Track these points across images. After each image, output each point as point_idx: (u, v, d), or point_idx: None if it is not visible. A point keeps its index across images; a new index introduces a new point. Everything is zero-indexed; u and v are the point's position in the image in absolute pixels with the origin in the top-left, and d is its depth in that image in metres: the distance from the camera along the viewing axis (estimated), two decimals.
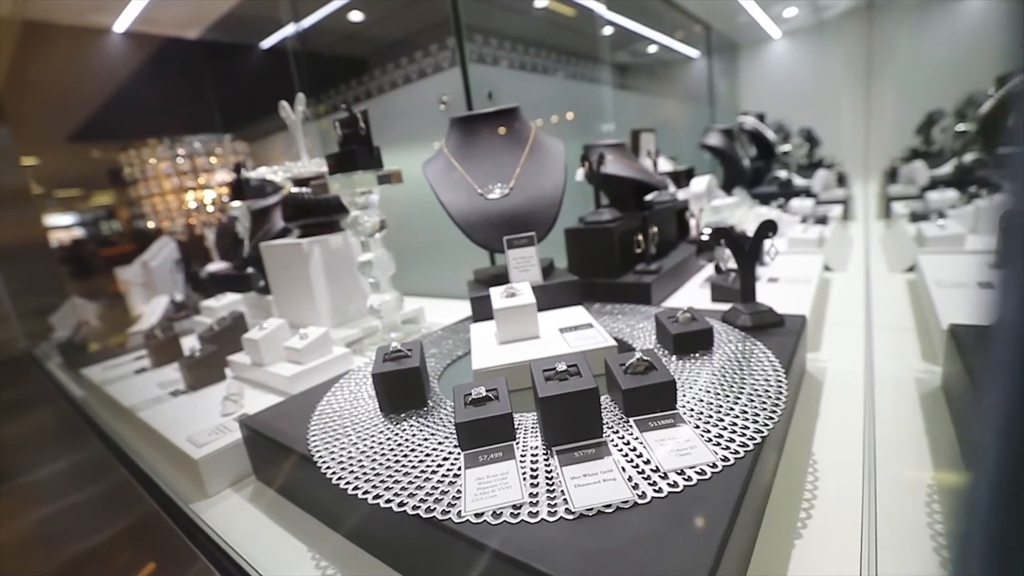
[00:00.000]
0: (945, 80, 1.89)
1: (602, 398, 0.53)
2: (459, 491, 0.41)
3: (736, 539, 0.36)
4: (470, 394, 0.49)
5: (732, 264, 0.80)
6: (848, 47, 2.58)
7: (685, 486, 0.38)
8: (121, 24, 1.96)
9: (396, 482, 0.44)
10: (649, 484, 0.39)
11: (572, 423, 0.45)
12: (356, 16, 1.71)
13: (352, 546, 0.51)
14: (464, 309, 0.91)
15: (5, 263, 1.90)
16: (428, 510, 0.39)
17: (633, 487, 0.39)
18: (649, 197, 1.23)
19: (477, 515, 0.38)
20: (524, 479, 0.41)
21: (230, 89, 2.37)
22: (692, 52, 3.42)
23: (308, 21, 1.80)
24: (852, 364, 0.75)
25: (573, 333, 0.67)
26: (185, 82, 2.36)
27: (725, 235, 0.73)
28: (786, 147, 2.62)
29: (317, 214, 1.12)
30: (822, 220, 1.49)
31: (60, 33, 1.96)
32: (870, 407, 0.63)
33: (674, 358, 0.61)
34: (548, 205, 0.84)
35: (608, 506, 0.37)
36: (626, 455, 0.43)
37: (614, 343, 0.62)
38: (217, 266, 1.68)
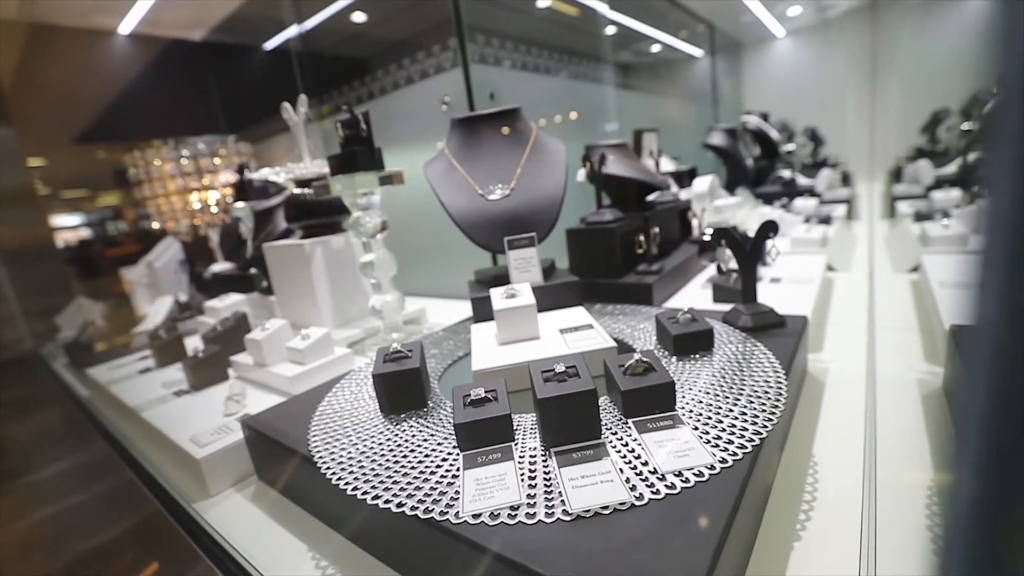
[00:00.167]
0: (950, 78, 1.88)
1: (601, 399, 0.53)
2: (457, 492, 0.41)
3: (734, 541, 0.36)
4: (469, 395, 0.49)
5: (733, 265, 0.80)
6: (852, 46, 2.57)
7: (683, 488, 0.38)
8: (126, 26, 1.97)
9: (395, 483, 0.44)
10: (647, 486, 0.39)
11: (570, 424, 0.45)
12: (358, 17, 1.71)
13: (353, 546, 0.51)
14: (466, 309, 0.91)
15: (12, 263, 1.92)
16: (426, 511, 0.39)
17: (631, 489, 0.39)
18: (651, 197, 1.23)
19: (475, 516, 0.38)
20: (522, 480, 0.42)
21: (234, 90, 2.38)
22: (695, 51, 3.41)
23: (311, 22, 1.80)
24: (854, 365, 0.75)
25: (573, 334, 0.67)
26: (189, 83, 2.37)
27: (726, 235, 0.73)
28: (790, 146, 2.61)
29: (319, 215, 1.12)
30: (826, 220, 1.48)
31: (65, 35, 1.98)
32: (871, 408, 0.63)
33: (674, 359, 0.61)
34: (549, 206, 0.84)
35: (605, 508, 0.37)
36: (624, 457, 0.43)
37: (614, 344, 0.62)
38: (221, 266, 1.69)
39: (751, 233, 0.73)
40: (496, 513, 0.38)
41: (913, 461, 0.52)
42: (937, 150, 1.91)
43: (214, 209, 2.49)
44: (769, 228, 0.71)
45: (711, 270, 1.17)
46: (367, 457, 0.49)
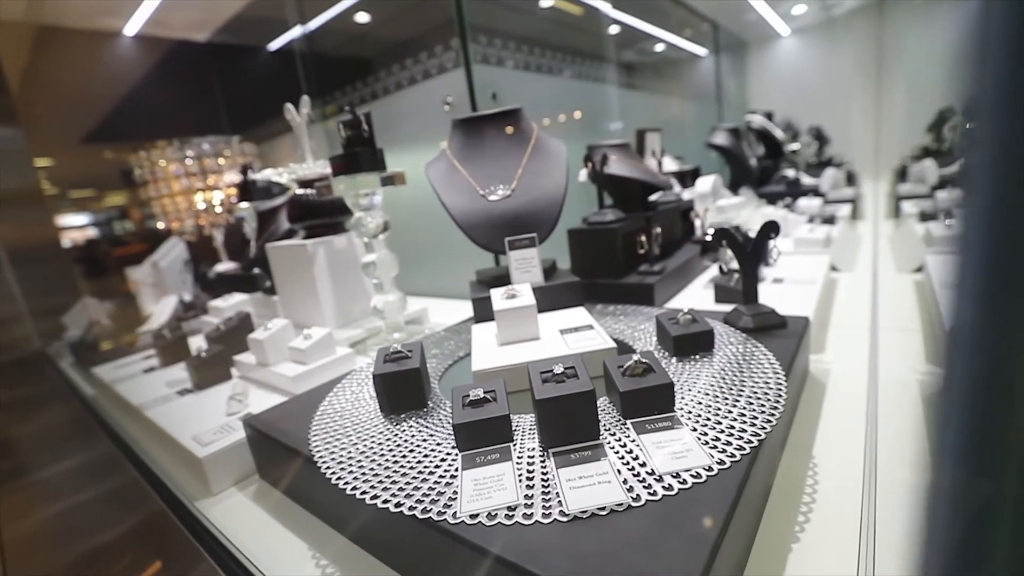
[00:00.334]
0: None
1: (600, 400, 0.53)
2: (456, 492, 0.41)
3: (731, 542, 0.36)
4: (468, 395, 0.49)
5: (735, 265, 0.80)
6: (858, 44, 2.55)
7: (680, 489, 0.38)
8: (131, 27, 1.99)
9: (394, 483, 0.44)
10: (644, 487, 0.39)
11: (568, 425, 0.45)
12: (361, 18, 1.72)
13: (353, 546, 0.51)
14: (468, 309, 0.91)
15: (20, 263, 1.93)
16: (424, 511, 0.40)
17: (628, 490, 0.39)
18: (653, 197, 1.23)
19: (472, 516, 0.38)
20: (520, 481, 0.42)
21: (238, 91, 2.39)
22: (700, 50, 3.40)
23: (314, 23, 1.81)
24: (856, 366, 0.75)
25: (573, 335, 0.67)
26: (194, 84, 2.39)
27: (727, 236, 0.72)
28: (795, 145, 2.59)
29: (321, 215, 1.13)
30: (830, 220, 1.47)
31: (72, 37, 1.99)
32: (872, 410, 0.63)
33: (674, 360, 0.61)
34: (550, 206, 0.84)
35: (602, 508, 0.37)
36: (622, 457, 0.43)
37: (613, 345, 0.62)
38: (225, 266, 1.70)
39: (754, 233, 0.73)
40: (493, 513, 0.38)
41: (914, 463, 0.52)
42: (943, 149, 1.89)
43: (218, 209, 2.50)
44: (770, 229, 0.71)
45: (713, 270, 1.16)
46: (367, 457, 0.49)
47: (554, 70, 1.97)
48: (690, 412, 0.49)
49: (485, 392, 0.49)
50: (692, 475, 0.40)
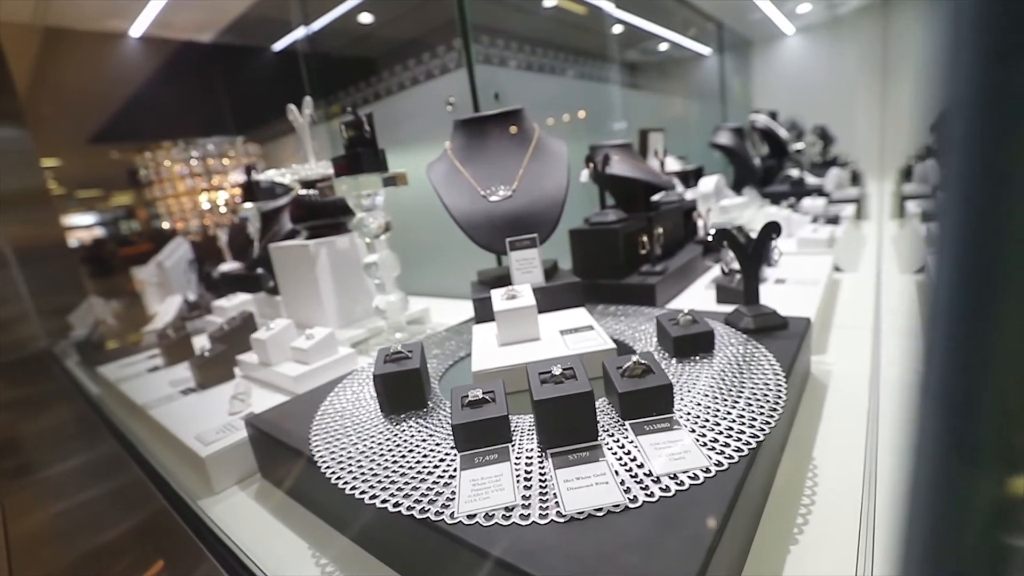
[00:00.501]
0: None
1: (600, 401, 0.53)
2: (454, 492, 0.41)
3: (728, 544, 0.36)
4: (467, 396, 0.49)
5: (736, 266, 0.80)
6: (863, 43, 2.54)
7: (677, 490, 0.38)
8: (137, 29, 2.00)
9: (393, 482, 0.44)
10: (641, 488, 0.39)
11: (567, 426, 0.45)
12: (364, 18, 1.72)
13: (353, 545, 0.52)
14: (469, 309, 0.92)
15: (27, 263, 1.95)
16: (422, 511, 0.40)
17: (625, 491, 0.39)
18: (656, 197, 1.22)
19: (470, 517, 0.38)
20: (518, 481, 0.42)
21: (243, 91, 2.41)
22: (704, 49, 3.38)
23: (317, 24, 1.82)
24: (858, 367, 0.75)
25: (573, 335, 0.67)
26: (199, 85, 2.40)
27: (727, 236, 0.72)
28: (799, 145, 2.58)
29: (324, 216, 1.13)
30: (833, 220, 1.46)
31: (78, 39, 2.01)
32: (874, 411, 0.62)
33: (674, 361, 0.61)
34: (551, 207, 0.84)
35: (599, 509, 0.37)
36: (620, 459, 0.43)
37: (613, 346, 0.62)
38: (229, 266, 1.71)
39: (756, 234, 0.72)
40: (491, 514, 0.38)
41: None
42: None
43: (223, 209, 2.51)
44: (772, 229, 0.71)
45: (715, 271, 1.16)
46: (366, 457, 0.49)
47: (557, 70, 1.97)
48: (689, 413, 0.48)
49: (484, 393, 0.50)
50: (689, 477, 0.40)
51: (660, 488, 0.39)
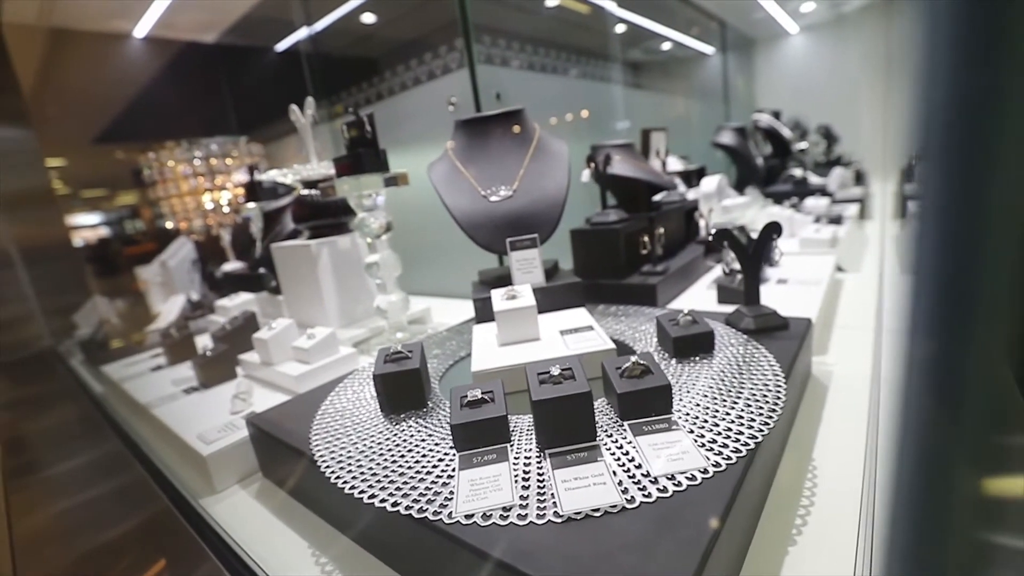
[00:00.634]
0: None
1: (599, 401, 0.53)
2: (452, 492, 0.42)
3: (725, 545, 0.36)
4: (466, 396, 0.49)
5: (737, 266, 0.79)
6: (867, 42, 2.53)
7: (675, 491, 0.38)
8: (141, 29, 2.01)
9: (391, 482, 0.45)
10: (639, 489, 0.39)
11: (565, 426, 0.45)
12: (366, 18, 1.73)
13: (352, 544, 0.52)
14: (471, 309, 0.92)
15: (32, 262, 1.97)
16: (420, 510, 0.40)
17: (623, 491, 0.39)
18: (657, 197, 1.22)
19: (467, 516, 0.38)
20: (516, 481, 0.42)
21: (246, 91, 2.42)
22: (707, 49, 3.37)
23: (320, 24, 1.82)
24: (860, 368, 0.74)
25: (573, 335, 0.67)
26: (202, 85, 2.41)
27: (728, 237, 0.72)
28: (802, 144, 2.57)
29: (326, 216, 1.13)
30: (836, 220, 1.46)
31: (83, 39, 2.02)
32: (875, 413, 0.62)
33: (674, 361, 0.61)
34: (551, 207, 0.84)
35: (596, 510, 0.37)
36: (618, 459, 0.43)
37: (613, 346, 0.62)
38: (232, 266, 1.71)
39: (758, 234, 0.72)
40: (488, 514, 0.38)
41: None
42: None
43: (226, 209, 2.53)
44: (772, 230, 0.70)
45: (717, 271, 1.16)
46: (365, 456, 0.50)
47: (559, 70, 1.97)
48: (688, 414, 0.48)
49: (483, 393, 0.50)
50: (687, 478, 0.40)
51: (658, 489, 0.39)
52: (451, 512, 0.39)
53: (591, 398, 0.45)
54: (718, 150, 2.19)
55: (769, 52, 3.38)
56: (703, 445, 0.43)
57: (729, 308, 0.77)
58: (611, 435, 0.46)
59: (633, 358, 0.51)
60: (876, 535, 0.43)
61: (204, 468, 0.66)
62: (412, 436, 0.52)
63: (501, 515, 0.38)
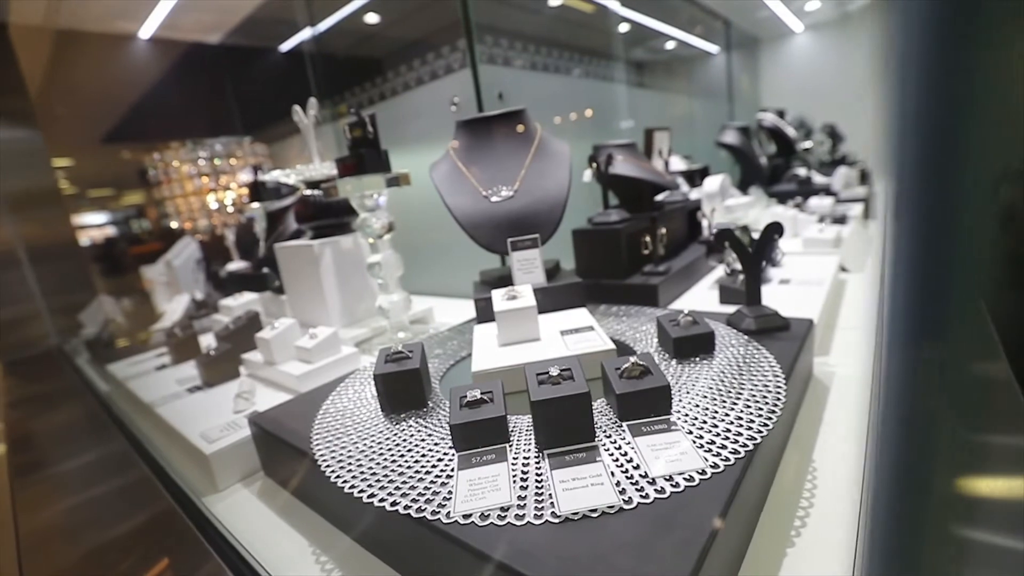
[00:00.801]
0: None
1: (598, 402, 0.53)
2: (451, 492, 0.42)
3: (722, 546, 0.36)
4: (466, 396, 0.50)
5: (739, 266, 0.79)
6: (873, 40, 2.51)
7: (672, 492, 0.38)
8: (146, 30, 2.02)
9: (391, 481, 0.45)
10: (636, 489, 0.39)
11: (564, 427, 0.45)
12: (369, 19, 1.73)
13: (352, 543, 0.52)
14: (473, 309, 0.92)
15: (39, 261, 1.98)
16: (419, 510, 0.40)
17: (620, 492, 0.39)
18: (660, 197, 1.22)
19: (465, 516, 0.39)
20: (514, 481, 0.42)
21: (250, 92, 2.43)
22: (711, 48, 3.36)
23: (323, 24, 1.83)
24: (862, 369, 0.74)
25: (573, 336, 0.67)
26: (207, 85, 2.43)
27: (729, 237, 0.72)
28: (807, 144, 2.56)
29: (329, 216, 1.14)
30: (840, 219, 1.45)
31: (89, 40, 2.04)
32: (876, 414, 0.62)
33: (674, 362, 0.61)
34: (553, 207, 0.84)
35: (594, 510, 0.37)
36: (617, 460, 0.43)
37: (613, 346, 0.62)
38: (237, 265, 1.72)
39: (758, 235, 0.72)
40: (486, 514, 0.39)
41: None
42: None
43: (230, 209, 2.54)
44: (774, 230, 0.70)
45: (720, 271, 1.16)
46: (365, 456, 0.50)
47: (562, 69, 1.96)
48: (687, 415, 0.48)
49: (483, 393, 0.50)
50: (685, 478, 0.40)
51: (655, 490, 0.39)
52: (449, 512, 0.39)
53: (590, 399, 0.45)
54: (722, 149, 2.18)
55: (774, 51, 3.37)
56: (701, 446, 0.43)
57: (731, 308, 0.77)
58: (610, 436, 0.46)
59: (632, 359, 0.51)
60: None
61: (207, 466, 0.67)
62: (412, 436, 0.52)
63: (499, 515, 0.38)
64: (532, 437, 0.48)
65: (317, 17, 1.84)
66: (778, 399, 0.50)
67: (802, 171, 2.12)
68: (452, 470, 0.45)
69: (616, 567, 0.32)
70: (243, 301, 1.37)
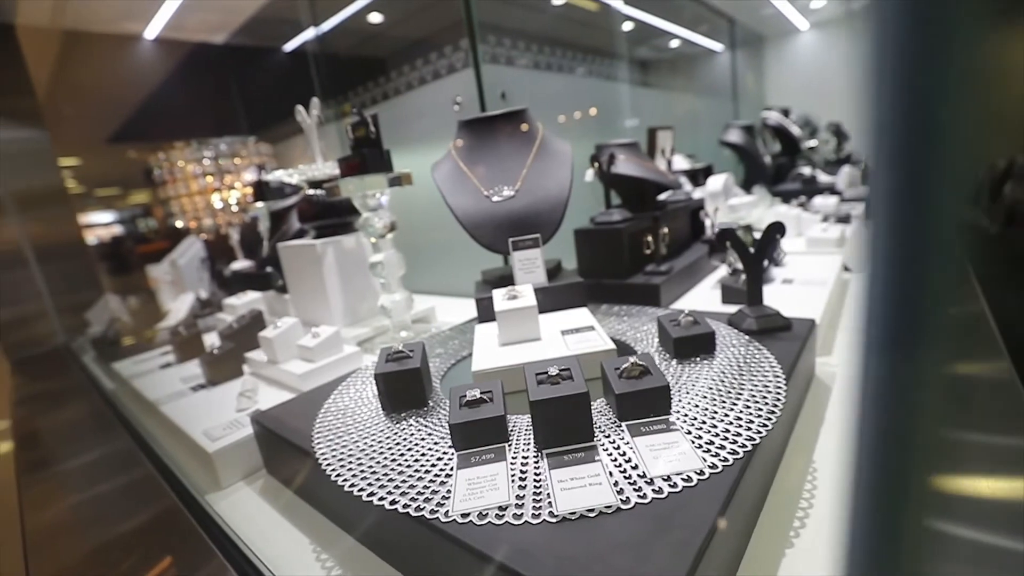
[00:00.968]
0: None
1: (598, 402, 0.53)
2: (449, 491, 0.42)
3: (719, 547, 0.36)
4: (465, 396, 0.50)
5: (741, 265, 0.79)
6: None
7: (670, 492, 0.38)
8: (151, 31, 2.04)
9: (390, 480, 0.45)
10: (634, 489, 0.39)
11: (563, 427, 0.45)
12: (373, 18, 1.73)
13: (352, 540, 0.52)
14: (475, 308, 0.92)
15: (46, 260, 2.00)
16: (417, 509, 0.40)
17: (618, 492, 0.39)
18: (662, 197, 1.22)
19: (463, 515, 0.39)
20: (513, 481, 0.42)
21: (254, 92, 2.44)
22: (716, 46, 3.35)
23: (327, 25, 1.83)
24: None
25: (573, 335, 0.67)
26: (212, 85, 2.44)
27: (730, 236, 0.72)
28: (812, 142, 2.54)
29: (331, 215, 1.14)
30: (844, 219, 1.44)
31: (95, 41, 2.05)
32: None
33: (674, 362, 0.61)
34: (554, 207, 0.84)
35: (591, 510, 0.37)
36: (615, 460, 0.43)
37: (613, 346, 0.62)
38: (241, 264, 1.73)
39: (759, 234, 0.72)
40: (484, 513, 0.39)
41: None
42: None
43: (235, 208, 2.55)
44: (776, 230, 0.70)
45: (722, 271, 1.15)
46: (366, 454, 0.50)
47: (565, 68, 1.96)
48: (686, 415, 0.48)
49: (482, 393, 0.50)
50: (683, 479, 0.40)
51: (653, 490, 0.39)
52: (448, 511, 0.40)
53: (588, 399, 0.45)
54: (726, 148, 2.18)
55: (779, 49, 3.35)
56: (700, 447, 0.43)
57: (733, 308, 0.77)
58: (609, 436, 0.47)
59: (632, 359, 0.51)
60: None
61: (210, 464, 0.67)
62: (412, 435, 0.53)
63: (496, 514, 0.39)
64: (531, 437, 0.48)
65: (321, 17, 1.85)
66: (778, 400, 0.49)
67: (807, 170, 2.10)
68: (451, 469, 0.45)
69: (613, 567, 0.32)
70: (247, 300, 1.38)
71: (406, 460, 0.48)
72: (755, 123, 2.27)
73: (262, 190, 1.41)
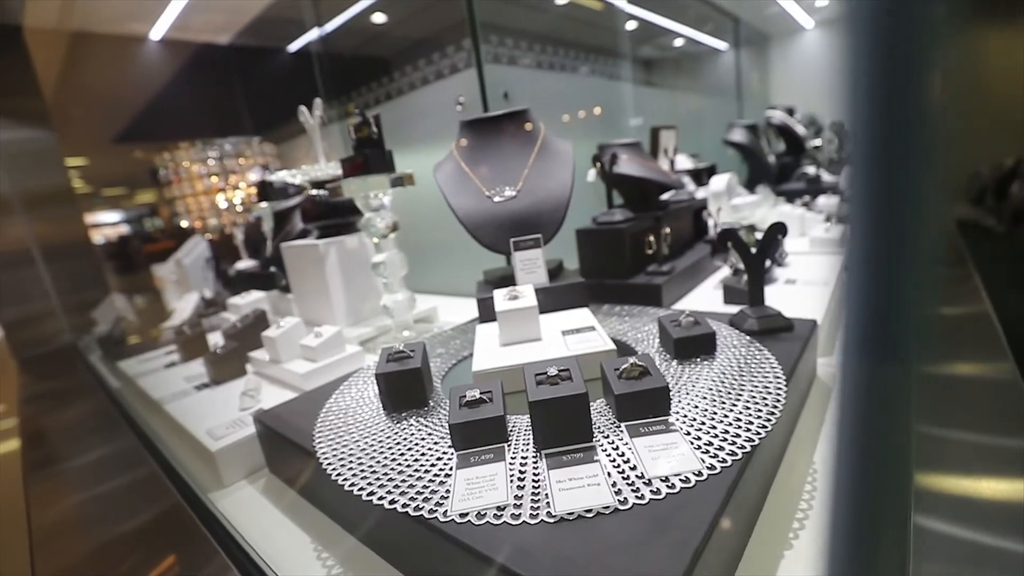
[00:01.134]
0: None
1: (598, 402, 0.53)
2: (448, 490, 0.42)
3: (717, 548, 0.36)
4: (465, 396, 0.50)
5: (743, 265, 0.79)
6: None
7: (668, 493, 0.39)
8: (157, 31, 2.05)
9: (390, 479, 0.45)
10: (632, 490, 0.39)
11: (562, 427, 0.45)
12: (376, 19, 1.74)
13: (352, 539, 0.53)
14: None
15: (53, 260, 2.02)
16: (416, 508, 0.41)
17: (616, 492, 0.39)
18: (665, 197, 1.22)
19: (462, 515, 0.39)
20: (512, 481, 0.42)
21: (259, 92, 2.45)
22: (720, 45, 3.33)
23: (330, 25, 1.84)
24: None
25: (574, 336, 0.67)
26: (217, 86, 2.45)
27: (731, 236, 0.72)
28: (816, 142, 2.53)
29: (334, 215, 1.15)
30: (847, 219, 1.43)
31: (101, 42, 2.07)
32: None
33: (675, 363, 0.61)
34: (555, 207, 0.84)
35: (589, 511, 0.38)
36: (614, 460, 0.43)
37: (613, 347, 0.62)
38: (245, 264, 1.74)
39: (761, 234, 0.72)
40: (482, 513, 0.39)
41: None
42: None
43: (239, 208, 2.57)
44: (778, 230, 0.70)
45: (725, 271, 1.15)
46: (366, 454, 0.51)
47: (568, 67, 1.96)
48: (686, 416, 0.48)
49: (482, 393, 0.50)
50: (681, 480, 0.40)
51: (651, 491, 0.39)
52: (446, 511, 0.40)
53: (587, 399, 0.45)
54: (730, 148, 2.17)
55: (784, 47, 3.33)
56: (699, 447, 0.43)
57: (735, 309, 0.77)
58: (608, 436, 0.47)
59: (632, 359, 0.51)
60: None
61: (213, 463, 0.68)
62: (412, 435, 0.53)
63: (495, 514, 0.39)
64: (531, 437, 0.48)
65: (324, 17, 1.85)
66: (778, 400, 0.49)
67: (811, 169, 2.09)
68: (451, 469, 0.45)
69: (610, 567, 0.32)
70: (251, 299, 1.39)
71: (406, 460, 0.48)
72: (759, 122, 2.26)
73: (266, 190, 1.42)
